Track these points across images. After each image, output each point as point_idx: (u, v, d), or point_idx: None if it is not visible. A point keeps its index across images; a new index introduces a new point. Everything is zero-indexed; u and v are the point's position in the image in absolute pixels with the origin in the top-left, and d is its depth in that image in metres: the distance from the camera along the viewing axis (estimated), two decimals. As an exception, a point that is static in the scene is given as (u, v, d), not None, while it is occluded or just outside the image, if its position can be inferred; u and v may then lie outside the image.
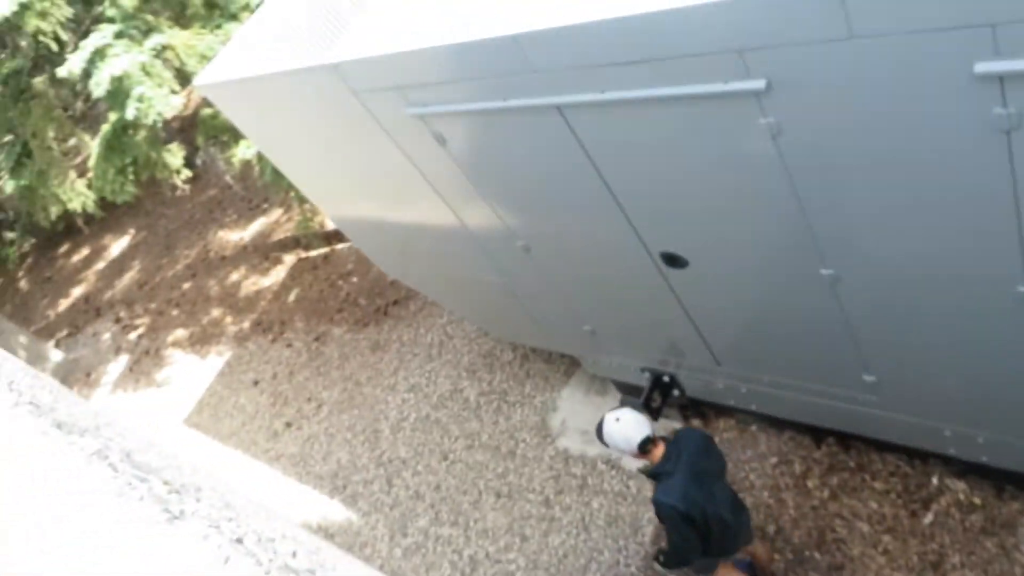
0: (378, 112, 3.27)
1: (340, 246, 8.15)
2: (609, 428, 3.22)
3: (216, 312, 8.84)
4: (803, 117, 2.19)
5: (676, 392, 4.28)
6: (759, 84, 2.13)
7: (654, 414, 4.21)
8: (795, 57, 2.02)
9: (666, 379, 4.25)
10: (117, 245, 11.92)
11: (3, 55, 6.67)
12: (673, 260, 3.10)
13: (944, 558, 3.53)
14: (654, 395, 4.22)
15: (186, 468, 2.07)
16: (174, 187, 6.59)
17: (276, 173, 5.44)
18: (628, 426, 3.18)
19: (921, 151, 2.09)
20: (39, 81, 6.36)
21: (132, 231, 11.89)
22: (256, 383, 7.45)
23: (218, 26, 5.59)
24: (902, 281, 2.57)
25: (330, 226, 7.75)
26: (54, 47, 5.50)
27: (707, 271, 3.09)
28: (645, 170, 2.76)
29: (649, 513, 4.44)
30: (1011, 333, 2.48)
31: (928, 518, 3.68)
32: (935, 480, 3.75)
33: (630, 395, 4.53)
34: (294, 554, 0.72)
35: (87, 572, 0.44)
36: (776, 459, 4.26)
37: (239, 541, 0.54)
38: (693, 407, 4.57)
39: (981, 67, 1.76)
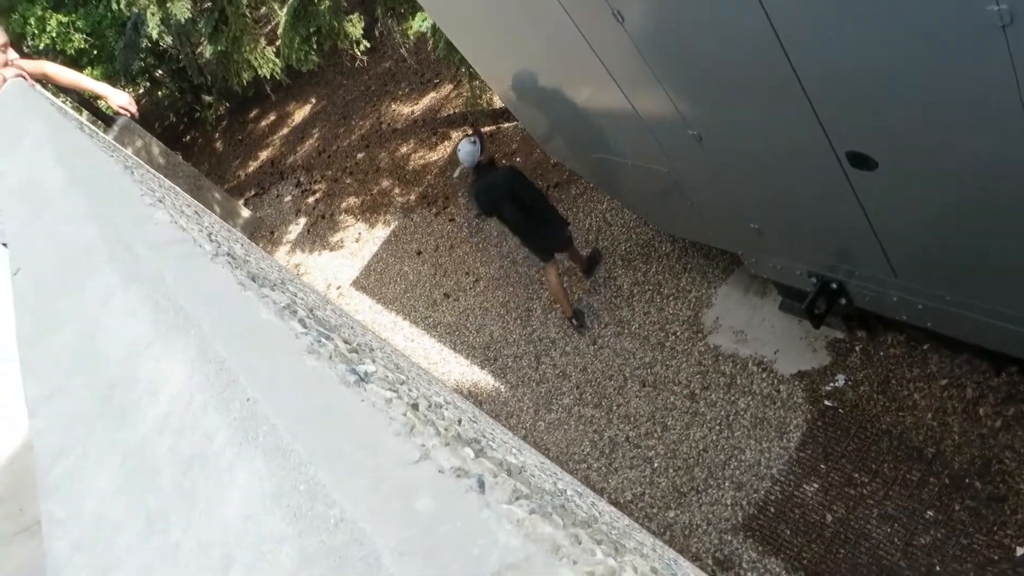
0: (557, -14, 3.17)
1: (506, 125, 8.17)
2: (465, 146, 5.11)
3: (385, 183, 9.23)
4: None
5: (843, 301, 4.06)
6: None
7: (817, 321, 4.04)
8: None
9: (834, 286, 4.03)
10: (300, 112, 12.59)
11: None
12: (860, 160, 2.86)
13: None
14: (819, 301, 4.03)
15: (358, 328, 2.22)
16: (353, 58, 6.78)
17: (449, 47, 5.45)
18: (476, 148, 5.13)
19: None
20: (237, -54, 6.62)
21: (313, 100, 12.48)
22: (419, 253, 7.81)
23: None
24: None
25: (498, 104, 7.76)
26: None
27: (898, 175, 2.83)
28: (841, 57, 2.52)
29: (797, 419, 4.34)
30: None
31: (1119, 464, 3.37)
32: None
33: (792, 298, 4.36)
34: (459, 422, 0.76)
35: (272, 434, 0.49)
36: (946, 381, 4.00)
37: (415, 407, 0.57)
38: (859, 318, 4.34)
39: None
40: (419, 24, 5.71)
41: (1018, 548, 3.38)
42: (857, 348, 4.40)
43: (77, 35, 12.10)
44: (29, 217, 0.87)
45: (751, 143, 3.36)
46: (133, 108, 3.38)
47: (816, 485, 4.06)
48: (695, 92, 3.31)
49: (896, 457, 3.91)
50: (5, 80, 2.80)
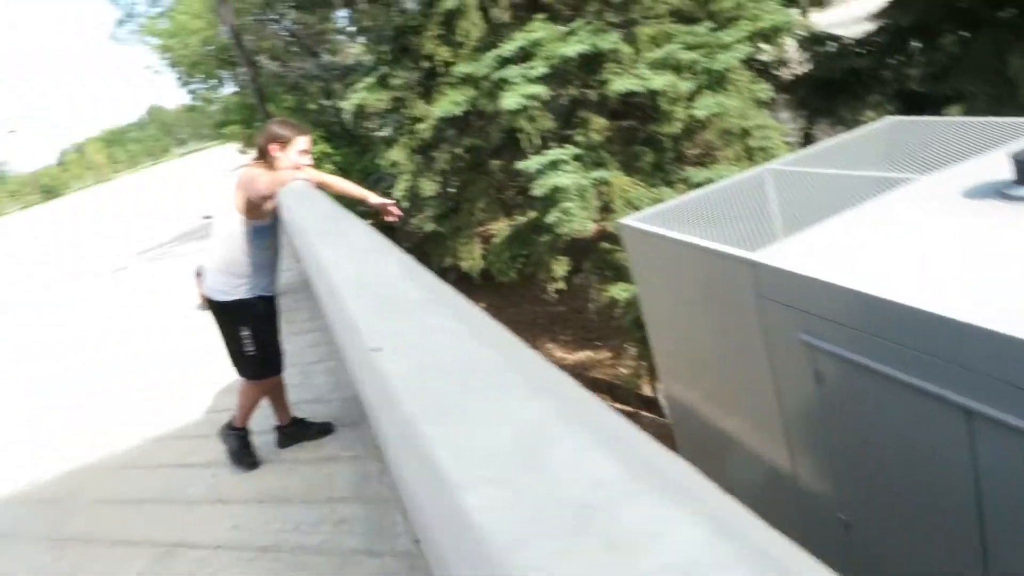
0: (770, 322, 3.30)
1: (646, 415, 8.20)
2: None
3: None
4: None
5: None
6: None
7: None
8: None
9: None
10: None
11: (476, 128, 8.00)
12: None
13: None
14: None
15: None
16: (544, 289, 7.22)
17: (636, 322, 5.71)
18: None
19: None
20: (495, 163, 7.49)
21: (484, 304, 13.23)
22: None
23: (654, 185, 6.13)
24: None
25: (646, 392, 7.88)
26: (523, 144, 6.47)
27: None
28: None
29: None
30: None
31: None
32: None
33: None
34: None
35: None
36: None
37: None
38: None
39: None
40: (619, 292, 6.07)
41: None
42: None
43: (330, 166, 13.80)
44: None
45: (900, 556, 3.18)
46: (397, 212, 3.77)
47: None
48: (864, 482, 3.22)
49: None
50: (295, 179, 3.23)
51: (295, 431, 3.92)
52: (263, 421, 3.91)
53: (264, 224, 3.47)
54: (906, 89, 7.21)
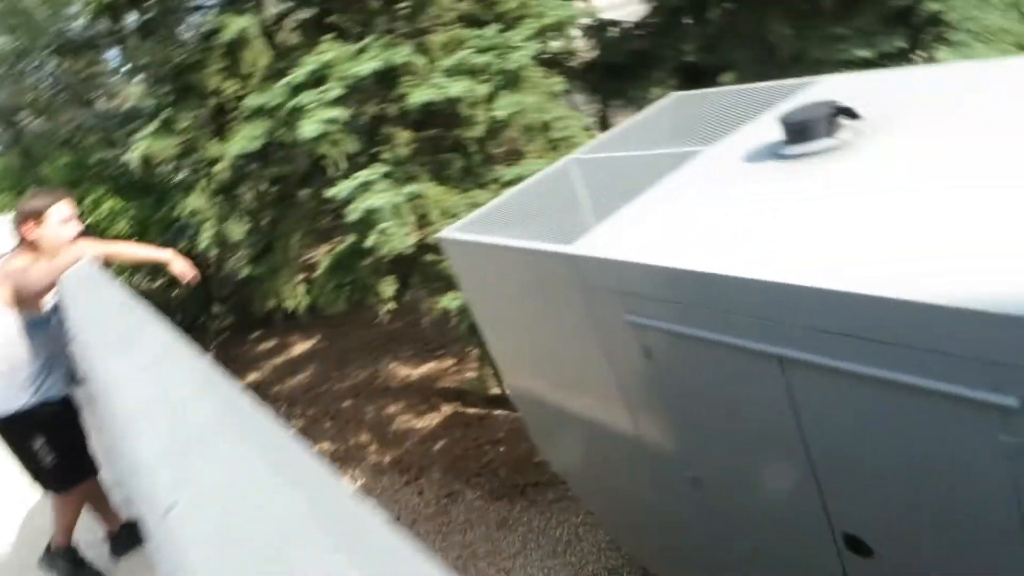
0: (596, 309, 3.42)
1: (498, 412, 8.28)
2: None
3: (364, 437, 9.14)
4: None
5: None
6: (1009, 401, 2.04)
7: None
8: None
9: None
10: (301, 346, 12.84)
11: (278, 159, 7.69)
12: (857, 545, 2.87)
13: None
14: None
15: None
16: (375, 314, 7.10)
17: (470, 329, 5.73)
18: None
19: None
20: (304, 192, 7.25)
21: (319, 337, 12.80)
22: (377, 518, 7.47)
23: (467, 190, 6.18)
24: None
25: (493, 392, 7.96)
26: (330, 171, 6.31)
27: (894, 567, 2.83)
28: (854, 446, 2.65)
29: None
30: None
31: None
32: None
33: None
34: None
35: None
36: None
37: None
38: None
39: None
40: (449, 302, 6.07)
41: None
42: None
43: (124, 222, 12.77)
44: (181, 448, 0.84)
45: (749, 502, 3.40)
46: (193, 276, 3.48)
47: None
48: (703, 439, 3.42)
49: None
50: (75, 259, 2.90)
51: (129, 535, 3.47)
52: (89, 532, 3.47)
53: (40, 316, 3.08)
54: (684, 64, 7.74)
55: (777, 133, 3.39)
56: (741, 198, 3.18)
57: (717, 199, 3.30)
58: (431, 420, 8.91)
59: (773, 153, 3.39)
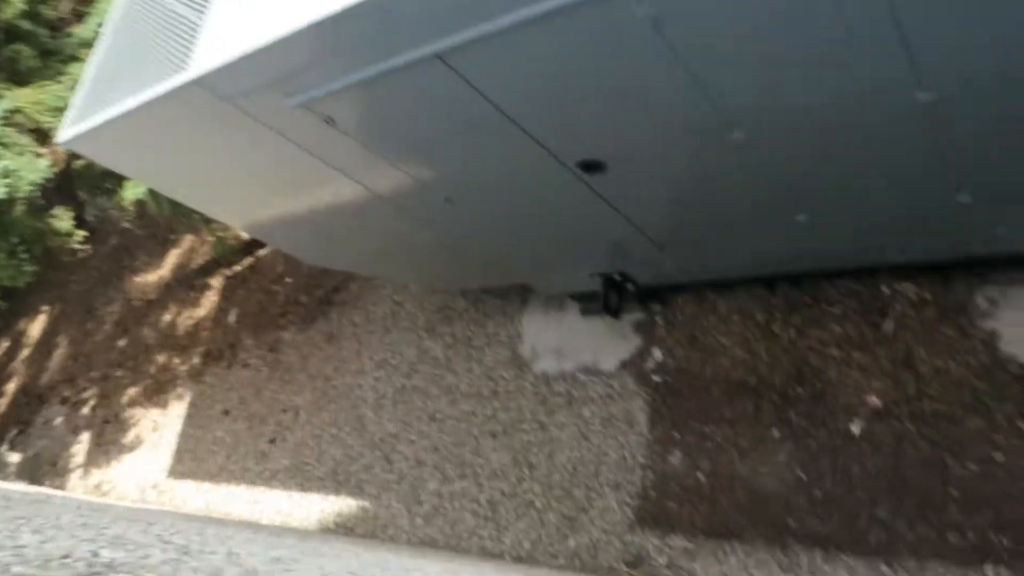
0: (258, 112, 3.18)
1: (263, 252, 7.98)
2: None
3: (161, 358, 8.62)
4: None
5: (630, 286, 4.39)
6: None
7: (616, 313, 4.33)
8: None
9: (617, 277, 4.35)
10: (34, 326, 11.42)
11: None
12: (591, 166, 3.15)
13: (912, 354, 3.78)
14: (611, 296, 4.33)
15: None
16: (73, 251, 6.31)
17: (173, 204, 5.26)
18: None
19: None
20: None
21: (46, 307, 11.39)
22: (226, 412, 7.35)
23: (59, 73, 5.28)
24: (802, 128, 2.68)
25: (245, 237, 7.57)
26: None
27: (626, 168, 3.16)
28: (539, 89, 2.77)
29: (639, 404, 4.60)
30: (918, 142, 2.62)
31: (888, 325, 3.91)
32: (885, 289, 3.98)
33: (587, 301, 4.64)
34: None
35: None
36: (738, 316, 4.45)
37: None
38: (650, 294, 4.70)
39: None
40: (132, 192, 5.46)
41: (852, 426, 3.81)
42: (659, 320, 4.77)
43: None
44: None
45: (496, 186, 3.58)
46: None
47: (679, 453, 4.32)
48: (428, 162, 3.46)
49: (729, 398, 4.27)
50: None
51: None
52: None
53: None
54: None
55: None
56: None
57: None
58: (210, 299, 8.48)
59: None
